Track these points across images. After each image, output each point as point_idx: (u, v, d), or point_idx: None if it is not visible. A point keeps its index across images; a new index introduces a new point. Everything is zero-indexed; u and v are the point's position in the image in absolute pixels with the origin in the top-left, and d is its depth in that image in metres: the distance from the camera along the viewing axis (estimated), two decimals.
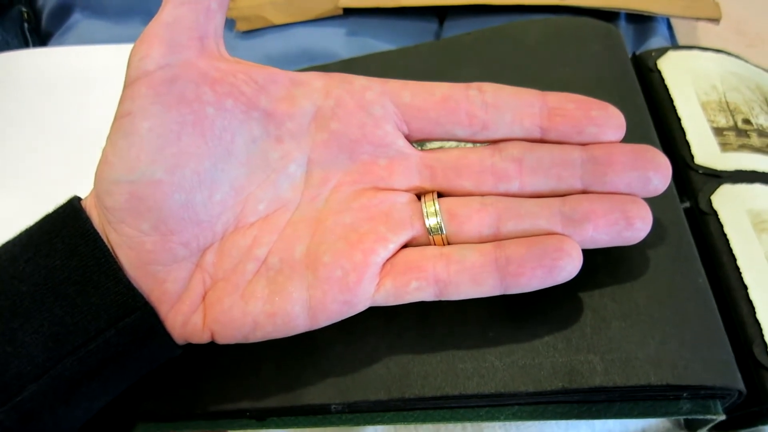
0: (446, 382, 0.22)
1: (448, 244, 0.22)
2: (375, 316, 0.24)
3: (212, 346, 0.25)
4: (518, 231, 0.22)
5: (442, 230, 0.22)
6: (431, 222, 0.22)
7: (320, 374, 0.23)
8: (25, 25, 0.47)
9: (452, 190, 0.23)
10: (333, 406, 0.23)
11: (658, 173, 0.21)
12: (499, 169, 0.22)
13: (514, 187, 0.22)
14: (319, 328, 0.22)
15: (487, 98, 0.22)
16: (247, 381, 0.24)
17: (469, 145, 0.24)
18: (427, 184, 0.23)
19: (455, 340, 0.23)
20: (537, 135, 0.22)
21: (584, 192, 0.22)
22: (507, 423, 0.22)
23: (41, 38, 0.48)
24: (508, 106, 0.22)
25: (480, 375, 0.22)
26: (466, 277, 0.21)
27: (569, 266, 0.21)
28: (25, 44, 0.47)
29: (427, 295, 0.22)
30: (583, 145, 0.22)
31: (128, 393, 0.25)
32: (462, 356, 0.23)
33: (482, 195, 0.22)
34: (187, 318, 0.22)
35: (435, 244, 0.22)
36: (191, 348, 0.25)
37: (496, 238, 0.22)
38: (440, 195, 0.23)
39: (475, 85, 0.23)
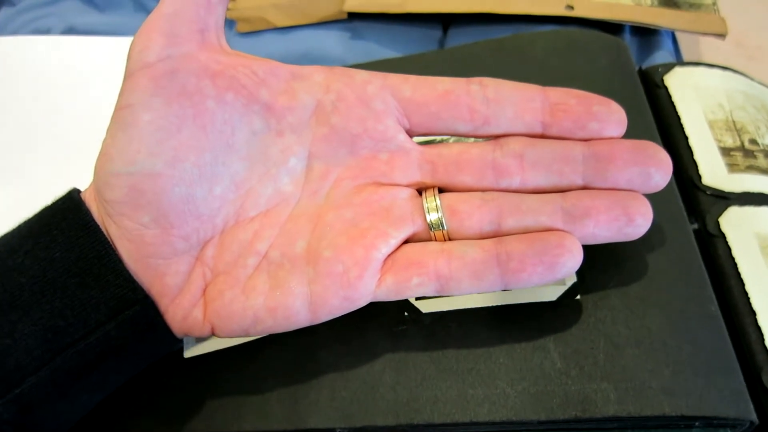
0: (456, 409, 0.22)
1: (449, 239, 0.22)
2: (382, 338, 0.24)
3: (213, 366, 0.25)
4: (519, 227, 0.21)
5: (443, 226, 0.22)
6: (432, 217, 0.22)
7: (326, 397, 0.23)
8: None
9: (453, 186, 0.23)
10: (338, 431, 0.22)
11: (660, 169, 0.21)
12: (500, 165, 0.22)
13: (515, 182, 0.22)
14: (320, 323, 0.22)
15: (488, 93, 0.22)
16: (249, 402, 0.24)
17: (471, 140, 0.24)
18: (428, 180, 0.23)
19: (465, 365, 0.23)
20: (538, 130, 0.22)
21: (585, 188, 0.22)
22: None
23: None
24: (509, 101, 0.22)
25: (491, 402, 0.22)
26: (467, 272, 0.21)
27: (570, 262, 0.21)
28: None
29: (429, 290, 0.21)
30: (585, 140, 0.22)
31: (124, 411, 0.24)
32: (472, 382, 0.22)
33: (483, 190, 0.22)
34: (188, 312, 0.22)
35: (436, 240, 0.22)
36: (191, 366, 0.25)
37: (497, 234, 0.22)
38: (441, 190, 0.23)
39: (476, 79, 0.23)
